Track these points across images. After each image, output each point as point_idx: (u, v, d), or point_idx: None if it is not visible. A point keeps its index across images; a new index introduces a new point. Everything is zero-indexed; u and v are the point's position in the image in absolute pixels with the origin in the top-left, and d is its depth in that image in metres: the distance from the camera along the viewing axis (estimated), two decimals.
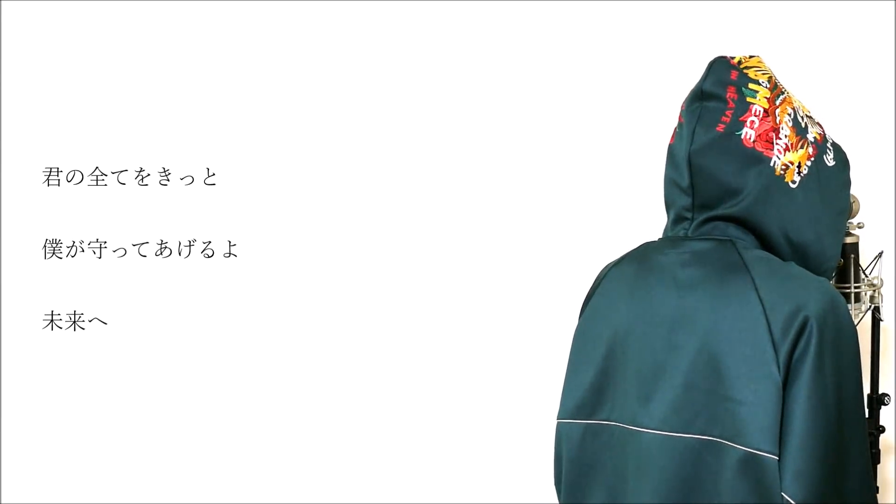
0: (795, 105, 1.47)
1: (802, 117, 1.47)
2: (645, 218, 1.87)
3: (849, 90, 2.03)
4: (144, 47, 2.11)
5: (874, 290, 1.76)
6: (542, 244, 2.14)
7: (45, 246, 2.13)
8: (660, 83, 2.04)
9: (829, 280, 1.55)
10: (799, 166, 1.42)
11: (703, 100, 1.43)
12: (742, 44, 1.88)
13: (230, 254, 2.15)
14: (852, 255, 1.72)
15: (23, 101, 2.10)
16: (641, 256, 1.51)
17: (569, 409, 1.51)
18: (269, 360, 2.17)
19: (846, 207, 1.51)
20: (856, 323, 1.74)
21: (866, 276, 1.76)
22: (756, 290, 1.34)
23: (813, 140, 1.45)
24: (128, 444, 2.16)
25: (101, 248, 2.13)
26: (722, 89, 1.43)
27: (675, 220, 1.48)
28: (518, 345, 2.16)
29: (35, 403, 2.14)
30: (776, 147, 1.41)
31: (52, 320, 2.13)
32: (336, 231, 2.16)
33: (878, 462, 1.79)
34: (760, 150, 1.40)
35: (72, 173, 2.12)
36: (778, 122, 1.42)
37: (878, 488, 1.84)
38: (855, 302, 1.74)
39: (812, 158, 1.44)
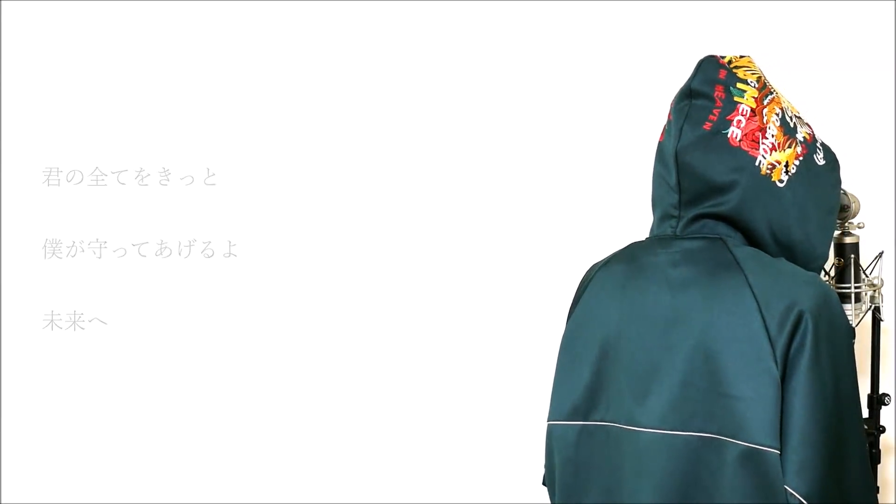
0: (784, 105, 1.48)
1: (791, 117, 1.47)
2: (632, 217, 1.87)
3: (849, 90, 2.03)
4: (144, 47, 2.11)
5: (874, 290, 1.76)
6: (531, 245, 2.15)
7: (45, 246, 2.13)
8: (650, 83, 2.04)
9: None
10: (787, 165, 1.43)
11: (692, 98, 1.44)
12: (741, 44, 1.88)
13: (230, 254, 2.15)
14: (852, 255, 1.72)
15: (23, 101, 2.10)
16: (630, 257, 1.51)
17: (564, 410, 1.51)
18: (269, 360, 2.17)
19: (836, 206, 1.51)
20: (856, 323, 1.74)
21: (866, 276, 1.76)
22: (749, 286, 1.35)
23: (802, 139, 1.46)
24: (128, 443, 2.16)
25: (101, 248, 2.13)
26: (710, 88, 1.43)
27: (662, 217, 1.48)
28: (511, 345, 2.16)
29: (35, 403, 2.14)
30: (762, 146, 1.41)
31: (52, 320, 2.13)
32: (335, 231, 2.16)
33: (879, 462, 1.79)
34: (746, 148, 1.41)
35: (72, 173, 2.12)
36: (765, 121, 1.42)
37: (878, 488, 1.84)
38: (855, 302, 1.74)
39: (801, 157, 1.45)
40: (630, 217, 1.89)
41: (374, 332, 2.17)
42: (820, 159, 1.48)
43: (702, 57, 1.47)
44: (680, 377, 1.37)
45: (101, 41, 2.11)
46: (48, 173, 2.12)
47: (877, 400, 1.78)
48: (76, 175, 2.12)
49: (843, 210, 1.68)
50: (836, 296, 1.38)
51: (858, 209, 1.71)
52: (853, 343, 1.38)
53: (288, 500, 2.18)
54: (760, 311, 1.33)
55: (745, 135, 1.41)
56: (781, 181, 1.42)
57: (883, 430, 1.78)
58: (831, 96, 1.95)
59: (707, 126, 1.41)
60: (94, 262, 2.13)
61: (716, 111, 1.42)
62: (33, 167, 2.12)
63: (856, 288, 1.73)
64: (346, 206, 2.16)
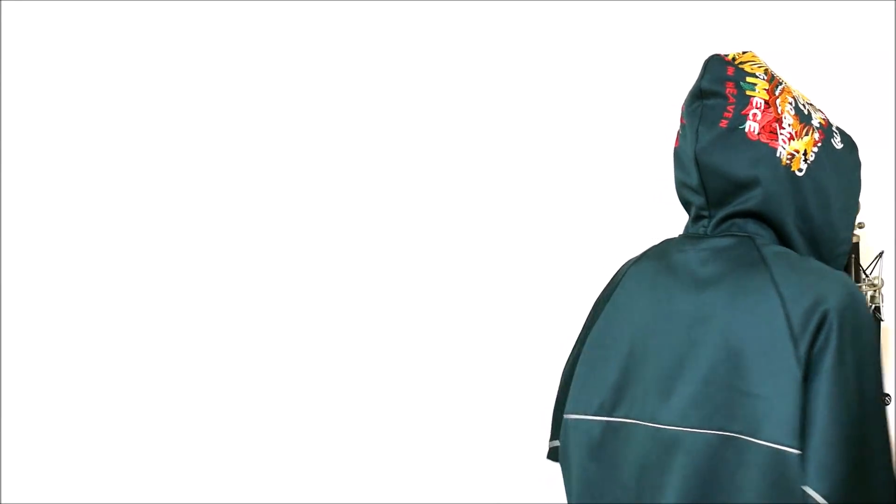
0: (795, 94, 1.47)
1: (804, 105, 1.47)
2: (652, 217, 1.87)
3: (849, 90, 2.03)
4: (145, 47, 2.11)
5: (874, 290, 1.76)
6: (548, 246, 2.15)
7: (45, 246, 2.13)
8: (667, 83, 2.04)
9: (843, 265, 1.55)
10: (805, 154, 1.43)
11: (703, 98, 1.44)
12: (741, 44, 1.88)
13: (231, 254, 2.15)
14: (852, 255, 1.72)
15: (23, 101, 2.10)
16: (661, 254, 1.52)
17: (592, 405, 1.50)
18: (270, 360, 2.17)
19: (858, 188, 1.51)
20: None
21: (867, 276, 1.76)
22: (775, 284, 1.35)
23: (818, 125, 1.46)
24: (128, 444, 2.16)
25: (98, 248, 2.13)
26: (720, 86, 1.43)
27: (695, 217, 1.49)
28: (522, 345, 2.16)
29: (35, 403, 2.14)
30: (780, 137, 1.41)
31: (52, 320, 2.13)
32: (338, 231, 2.16)
33: None
34: (766, 141, 1.41)
35: (72, 172, 2.12)
36: (780, 111, 1.42)
37: None
38: None
39: (819, 144, 1.45)
40: (652, 216, 1.90)
41: (380, 332, 2.17)
42: (838, 143, 1.48)
43: (706, 57, 1.47)
44: (703, 374, 1.37)
45: (100, 41, 2.11)
46: (48, 173, 2.12)
47: None
48: (76, 175, 2.12)
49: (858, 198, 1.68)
50: (863, 296, 1.38)
51: (858, 209, 1.71)
52: (877, 344, 1.37)
53: (288, 500, 2.18)
54: (785, 310, 1.32)
55: (763, 127, 1.41)
56: (801, 170, 1.42)
57: None
58: (831, 96, 1.95)
59: (723, 124, 1.41)
60: (94, 262, 2.13)
61: (730, 108, 1.41)
62: (33, 167, 2.12)
63: None
64: (349, 206, 2.16)
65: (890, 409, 1.80)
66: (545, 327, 2.09)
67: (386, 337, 2.17)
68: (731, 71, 1.44)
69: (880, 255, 1.79)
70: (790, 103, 1.44)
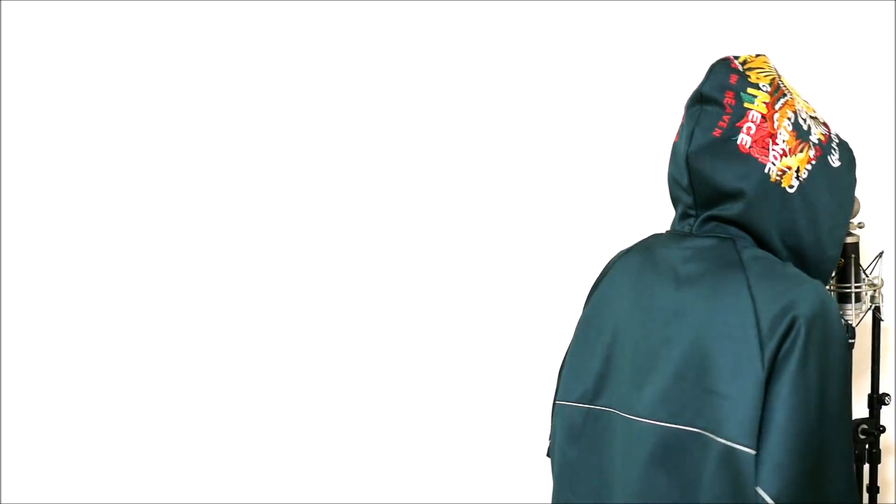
0: (798, 107, 1.47)
1: (805, 119, 1.47)
2: (646, 213, 1.87)
3: (849, 90, 2.03)
4: (145, 47, 2.11)
5: (874, 290, 1.76)
6: (543, 241, 2.14)
7: (45, 246, 2.13)
8: (665, 81, 2.04)
9: (829, 280, 1.55)
10: (798, 170, 1.43)
11: (703, 103, 1.45)
12: (742, 44, 1.88)
13: (231, 253, 2.15)
14: (852, 255, 1.72)
15: (23, 101, 2.10)
16: (647, 249, 1.54)
17: (575, 393, 1.54)
18: (270, 361, 2.17)
19: (851, 208, 1.52)
20: (856, 323, 1.74)
21: (866, 276, 1.76)
22: (749, 287, 1.37)
23: (816, 142, 1.46)
24: (128, 444, 2.15)
25: (98, 248, 2.13)
26: (720, 94, 1.44)
27: (682, 215, 1.51)
28: (518, 343, 2.16)
29: (35, 403, 2.14)
30: (772, 152, 1.42)
31: (52, 320, 2.13)
32: (338, 231, 2.16)
33: (879, 462, 1.79)
34: (756, 155, 1.42)
35: (72, 172, 2.12)
36: (776, 127, 1.43)
37: (878, 489, 1.84)
38: (855, 302, 1.74)
39: (814, 161, 1.45)
40: (646, 212, 1.90)
41: (380, 331, 2.17)
42: (835, 161, 1.48)
43: (715, 60, 1.48)
44: (674, 370, 1.39)
45: (100, 41, 2.11)
46: (48, 173, 2.12)
47: (877, 400, 1.78)
48: (76, 176, 2.12)
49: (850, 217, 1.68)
50: (835, 305, 1.39)
51: (858, 209, 1.71)
52: (849, 353, 1.38)
53: (288, 500, 2.18)
54: (755, 313, 1.34)
55: (755, 141, 1.41)
56: (791, 187, 1.43)
57: (883, 429, 1.78)
58: (831, 96, 1.95)
59: (717, 133, 1.42)
60: (93, 262, 2.13)
61: (725, 118, 1.42)
62: (33, 167, 2.12)
63: (856, 288, 1.73)
64: (350, 206, 2.16)
65: (890, 409, 1.81)
66: (543, 325, 2.09)
67: (384, 335, 2.17)
68: (734, 79, 1.45)
69: (880, 255, 1.79)
70: (789, 118, 1.44)
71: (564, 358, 1.64)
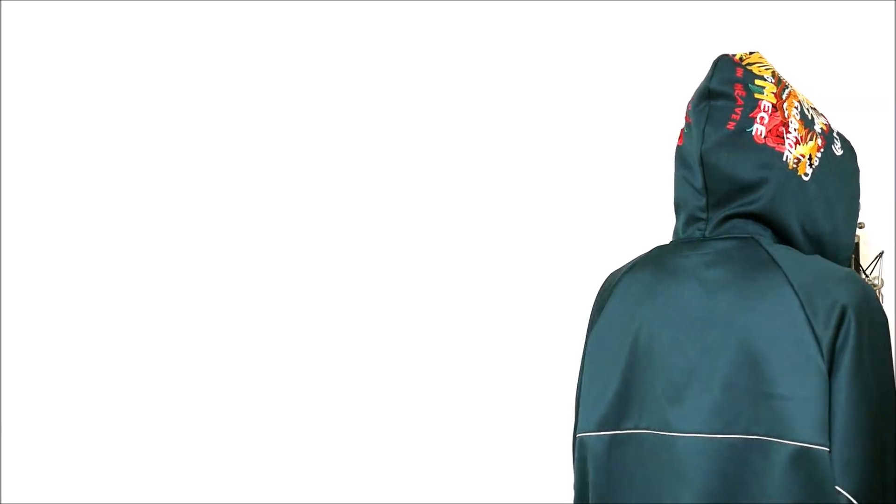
0: (800, 98, 1.47)
1: (808, 109, 1.47)
2: (649, 223, 1.87)
3: (849, 90, 2.03)
4: (145, 47, 2.11)
5: (874, 290, 1.76)
6: (544, 250, 2.14)
7: (45, 246, 2.13)
8: (664, 84, 2.04)
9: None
10: (810, 158, 1.42)
11: (711, 98, 1.43)
12: (741, 44, 1.88)
13: (231, 253, 2.15)
14: (853, 255, 1.72)
15: (23, 101, 2.10)
16: (658, 261, 1.49)
17: (593, 421, 1.47)
18: (270, 361, 2.17)
19: (858, 195, 1.51)
20: None
21: (867, 276, 1.76)
22: (790, 283, 1.34)
23: (820, 131, 1.46)
24: (128, 444, 2.15)
25: (98, 248, 2.13)
26: (729, 87, 1.42)
27: (688, 221, 1.47)
28: (519, 349, 2.15)
29: (35, 403, 2.14)
30: (787, 141, 1.41)
31: (52, 320, 2.13)
32: (338, 232, 2.16)
33: None
34: (772, 144, 1.40)
35: (72, 172, 2.12)
36: (787, 115, 1.42)
37: None
38: None
39: (822, 150, 1.44)
40: (649, 222, 1.89)
41: (379, 337, 2.17)
42: (838, 149, 1.48)
43: (715, 57, 1.47)
44: (722, 379, 1.35)
45: (100, 41, 2.11)
46: (48, 173, 2.12)
47: None
48: (76, 176, 2.12)
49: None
50: (875, 293, 1.38)
51: (859, 212, 1.71)
52: (890, 340, 1.37)
53: (288, 500, 2.18)
54: (804, 308, 1.32)
55: (770, 131, 1.40)
56: (807, 174, 1.42)
57: None
58: (831, 96, 1.95)
59: (731, 126, 1.41)
60: (93, 262, 2.13)
61: (738, 110, 1.41)
62: (33, 167, 2.12)
63: None
64: (350, 207, 2.16)
65: None
66: (541, 327, 2.09)
67: (383, 337, 2.17)
68: (740, 72, 1.43)
69: (880, 255, 1.79)
70: (796, 107, 1.44)
71: (578, 388, 1.56)
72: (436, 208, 2.16)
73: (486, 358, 2.17)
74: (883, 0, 2.04)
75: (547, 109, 2.13)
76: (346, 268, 2.17)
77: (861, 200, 1.72)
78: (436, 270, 2.17)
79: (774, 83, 1.44)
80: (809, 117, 1.45)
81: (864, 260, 1.77)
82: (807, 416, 1.29)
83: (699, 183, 1.43)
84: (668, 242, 1.52)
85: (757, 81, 1.42)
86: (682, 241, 1.48)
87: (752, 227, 1.42)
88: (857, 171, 1.51)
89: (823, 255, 1.44)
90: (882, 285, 1.77)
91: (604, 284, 1.56)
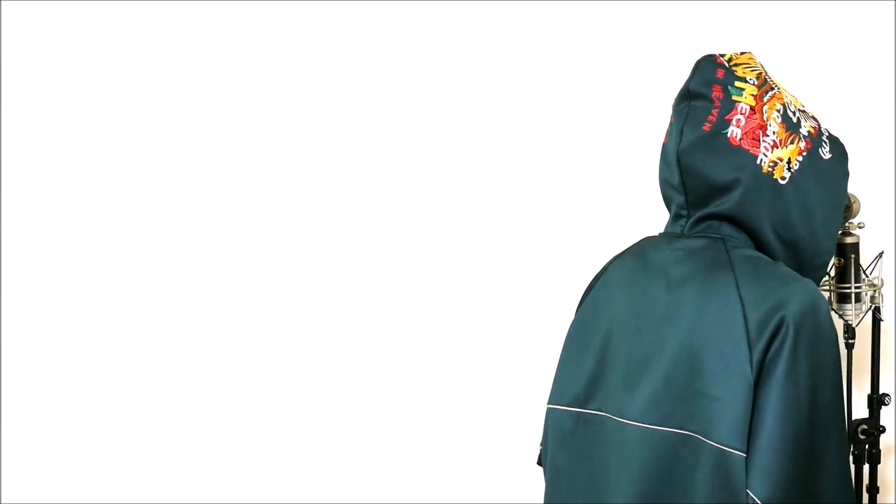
0: (787, 100, 1.47)
1: (794, 112, 1.47)
2: (640, 214, 1.87)
3: (849, 90, 2.03)
4: (145, 47, 2.11)
5: (874, 290, 1.76)
6: (537, 243, 2.15)
7: (45, 246, 2.13)
8: (657, 81, 2.04)
9: (825, 274, 1.55)
10: (789, 162, 1.42)
11: (690, 99, 1.44)
12: (740, 44, 1.88)
13: (231, 253, 2.15)
14: (852, 255, 1.72)
15: (23, 101, 2.10)
16: (640, 251, 1.53)
17: (566, 396, 1.53)
18: (270, 361, 2.17)
19: (843, 200, 1.51)
20: (856, 323, 1.74)
21: (866, 276, 1.76)
22: (737, 288, 1.36)
23: (806, 134, 1.46)
24: (128, 444, 2.16)
25: (98, 246, 2.13)
26: (707, 88, 1.43)
27: (675, 216, 1.50)
28: (514, 343, 2.16)
29: (35, 403, 2.14)
30: (763, 144, 1.41)
31: (52, 320, 2.13)
32: (337, 232, 2.16)
33: (879, 462, 1.79)
34: (747, 147, 1.41)
35: (72, 173, 2.12)
36: (765, 119, 1.42)
37: (878, 489, 1.84)
38: (855, 302, 1.74)
39: (804, 153, 1.44)
40: (640, 213, 1.89)
41: (378, 331, 2.17)
42: (826, 153, 1.47)
43: (699, 57, 1.47)
44: (664, 372, 1.38)
45: (100, 41, 2.11)
46: (48, 173, 2.12)
47: (877, 400, 1.78)
48: (76, 175, 2.12)
49: (844, 209, 1.68)
50: (827, 304, 1.38)
51: (858, 209, 1.71)
52: (838, 354, 1.37)
53: (288, 500, 2.18)
54: (744, 313, 1.33)
55: (745, 133, 1.41)
56: (784, 178, 1.42)
57: (883, 430, 1.78)
58: (831, 96, 1.95)
59: (706, 127, 1.41)
60: (94, 262, 2.13)
61: (714, 111, 1.42)
62: (33, 167, 2.12)
63: (856, 288, 1.74)
64: (349, 206, 2.16)
65: (890, 409, 1.81)
66: (538, 327, 2.09)
67: (381, 337, 2.17)
68: (720, 73, 1.44)
69: (880, 255, 1.79)
70: (777, 111, 1.44)
71: (558, 362, 1.63)
72: (434, 207, 2.16)
73: (485, 357, 2.17)
74: (883, 0, 2.04)
75: (542, 105, 2.13)
76: (342, 265, 2.17)
77: (861, 201, 1.72)
78: (434, 269, 2.17)
79: (757, 86, 1.44)
80: (794, 120, 1.45)
81: (864, 260, 1.77)
82: (727, 419, 1.31)
83: (676, 181, 1.45)
84: (657, 234, 1.55)
85: (737, 83, 1.43)
86: (665, 235, 1.51)
87: (727, 229, 1.44)
88: (845, 175, 1.51)
89: (799, 258, 1.44)
90: (882, 285, 1.77)
91: (601, 268, 1.61)
